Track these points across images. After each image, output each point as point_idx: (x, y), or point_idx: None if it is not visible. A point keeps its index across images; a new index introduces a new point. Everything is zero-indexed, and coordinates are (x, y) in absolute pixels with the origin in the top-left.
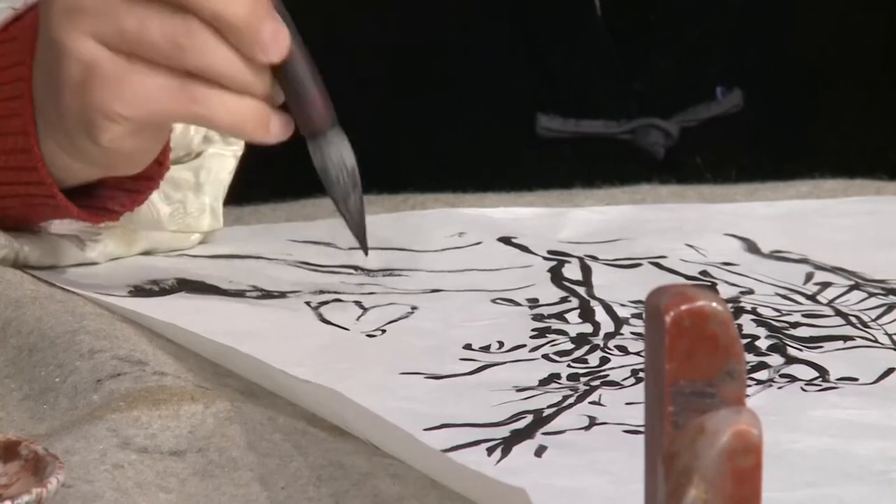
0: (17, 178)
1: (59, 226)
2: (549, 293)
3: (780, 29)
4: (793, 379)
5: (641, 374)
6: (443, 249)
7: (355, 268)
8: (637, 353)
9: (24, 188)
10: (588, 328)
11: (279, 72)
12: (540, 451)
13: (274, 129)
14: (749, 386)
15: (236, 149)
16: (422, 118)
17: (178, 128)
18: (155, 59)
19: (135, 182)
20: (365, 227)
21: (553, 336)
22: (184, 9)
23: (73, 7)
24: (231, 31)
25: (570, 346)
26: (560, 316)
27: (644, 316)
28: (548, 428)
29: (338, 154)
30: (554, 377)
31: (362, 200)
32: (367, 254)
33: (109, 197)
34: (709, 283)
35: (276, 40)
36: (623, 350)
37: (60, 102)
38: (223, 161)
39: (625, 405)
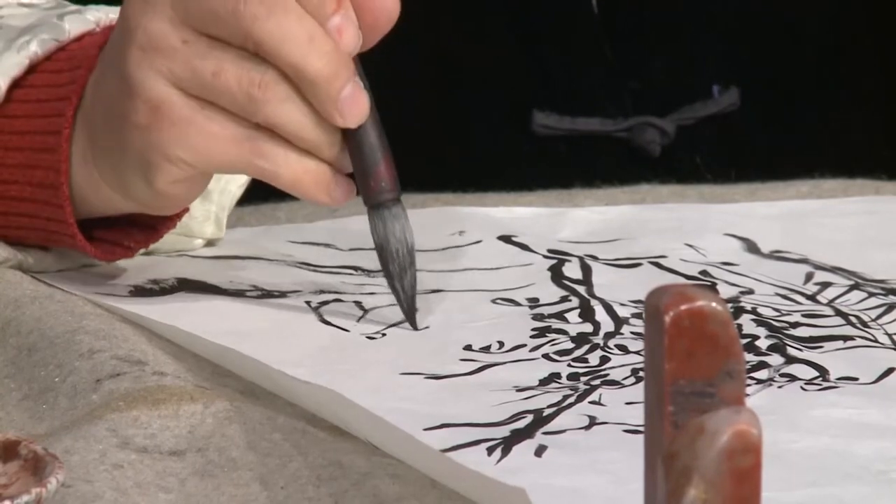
0: (41, 212)
1: None
2: (550, 292)
3: (777, 27)
4: (793, 378)
5: (641, 374)
6: (443, 249)
7: (355, 268)
8: (637, 353)
9: (45, 223)
10: (588, 327)
11: (350, 137)
12: (540, 450)
13: (335, 194)
14: (749, 386)
15: None
16: (419, 117)
17: None
18: (227, 107)
19: (153, 219)
20: (415, 305)
21: (553, 335)
22: (263, 57)
23: (151, 45)
24: (309, 85)
25: (570, 345)
26: (560, 315)
27: (644, 315)
28: (548, 428)
29: (401, 229)
30: (554, 377)
31: (416, 279)
32: (416, 329)
33: (125, 232)
34: (709, 283)
35: (356, 104)
36: (623, 349)
37: (122, 138)
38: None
39: (625, 405)
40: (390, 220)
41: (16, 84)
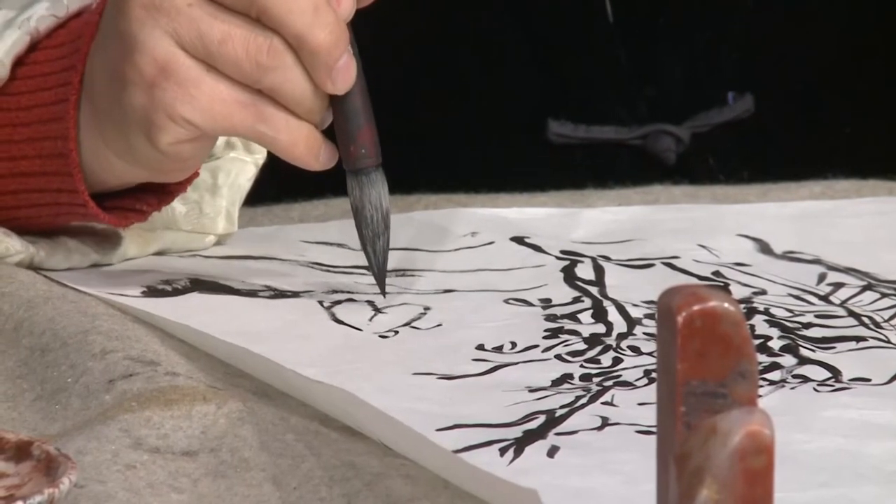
0: (50, 185)
1: (75, 227)
2: (562, 293)
3: (790, 33)
4: (805, 379)
5: (654, 375)
6: (455, 249)
7: (366, 268)
8: (650, 354)
9: (55, 196)
10: (601, 328)
11: (336, 102)
12: (552, 451)
13: (322, 158)
14: (761, 386)
15: (258, 157)
16: (435, 127)
17: None
18: (232, 72)
19: (163, 184)
20: (386, 271)
21: (566, 336)
22: (268, 24)
23: (154, 5)
24: (310, 55)
25: (582, 346)
26: (573, 316)
27: (656, 316)
28: (560, 428)
29: (377, 195)
30: (566, 377)
31: (388, 244)
32: (384, 296)
33: (136, 197)
34: (721, 284)
35: (347, 72)
36: (636, 350)
37: (124, 97)
38: (243, 166)
39: (637, 405)
40: (367, 185)
41: (18, 61)
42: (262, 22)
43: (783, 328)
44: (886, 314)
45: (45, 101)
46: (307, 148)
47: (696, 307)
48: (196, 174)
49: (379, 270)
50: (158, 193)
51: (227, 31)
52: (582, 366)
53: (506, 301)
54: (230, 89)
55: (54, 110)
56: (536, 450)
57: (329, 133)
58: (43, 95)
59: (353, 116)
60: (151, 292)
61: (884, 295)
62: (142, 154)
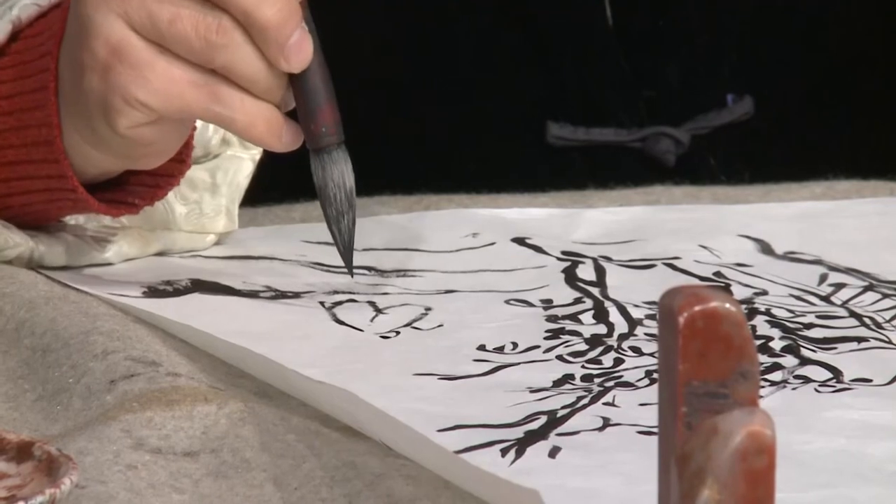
0: (39, 172)
1: (75, 225)
2: (563, 294)
3: (790, 35)
4: (806, 380)
5: (655, 375)
6: (457, 250)
7: (369, 268)
8: (651, 354)
9: (45, 182)
10: (602, 329)
11: (295, 81)
12: (554, 451)
13: (285, 138)
14: (762, 387)
15: (255, 153)
16: (435, 124)
17: (198, 126)
18: (183, 52)
19: (154, 178)
20: (353, 250)
21: (567, 337)
22: (217, 3)
23: None
24: (259, 32)
25: (584, 346)
26: (574, 317)
27: (658, 317)
28: (562, 429)
29: (339, 173)
30: (568, 378)
31: (354, 223)
32: (352, 276)
33: (129, 191)
34: (722, 284)
35: (301, 49)
36: (637, 351)
37: (82, 82)
38: (241, 164)
39: (638, 406)
40: (329, 164)
41: (0, 51)
42: (212, 1)
43: (784, 329)
44: (888, 315)
45: (27, 88)
46: (267, 128)
47: (697, 308)
48: (188, 166)
49: (345, 248)
50: (150, 188)
51: (176, 12)
52: (583, 366)
53: (507, 302)
54: (183, 70)
55: (36, 97)
56: (538, 450)
57: (294, 115)
58: (24, 83)
59: (312, 95)
60: (152, 293)
61: (885, 295)
62: (106, 139)
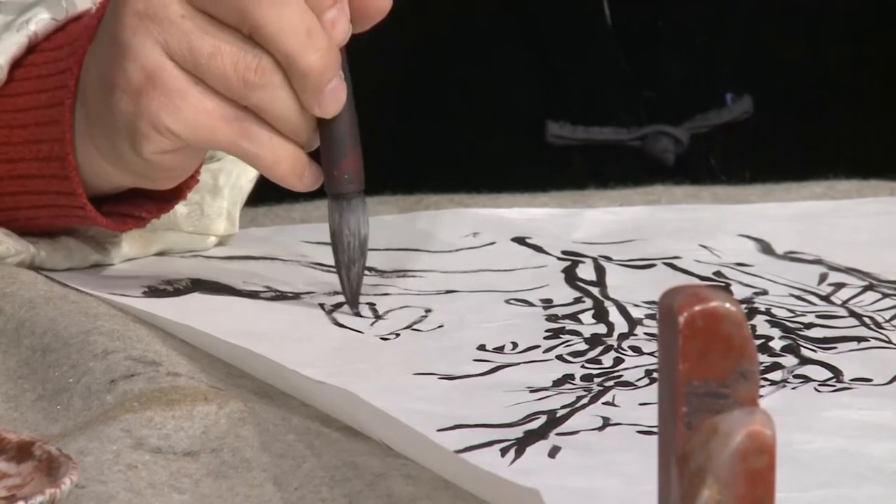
0: (49, 187)
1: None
2: (563, 294)
3: (789, 34)
4: (806, 380)
5: (655, 375)
6: (457, 250)
7: (369, 269)
8: (651, 354)
9: (54, 198)
10: (602, 329)
11: (324, 126)
12: (553, 451)
13: (307, 180)
14: (762, 387)
15: None
16: (435, 124)
17: None
18: (219, 87)
19: (162, 191)
20: (359, 296)
21: (567, 337)
22: (259, 42)
23: (148, 14)
24: (300, 77)
25: (583, 346)
26: (574, 317)
27: (657, 316)
28: (561, 429)
29: (356, 221)
30: (568, 378)
31: (363, 271)
32: (359, 315)
33: (136, 204)
34: (723, 284)
35: (336, 97)
36: (637, 351)
37: (112, 104)
38: (245, 168)
39: (638, 406)
40: (347, 211)
41: (16, 64)
42: (254, 39)
43: (784, 328)
44: (888, 314)
45: (42, 103)
46: (291, 168)
47: (697, 307)
48: (196, 180)
49: (352, 295)
50: (158, 201)
51: (218, 46)
52: (583, 366)
53: (507, 301)
54: (216, 103)
55: (51, 113)
56: (538, 450)
57: (316, 154)
58: (40, 98)
59: (339, 142)
60: (153, 293)
61: (885, 295)
62: (128, 160)
